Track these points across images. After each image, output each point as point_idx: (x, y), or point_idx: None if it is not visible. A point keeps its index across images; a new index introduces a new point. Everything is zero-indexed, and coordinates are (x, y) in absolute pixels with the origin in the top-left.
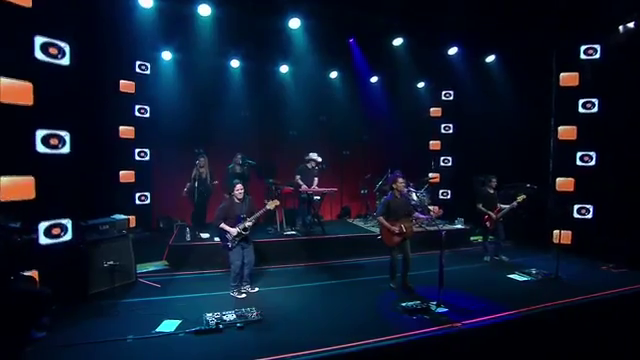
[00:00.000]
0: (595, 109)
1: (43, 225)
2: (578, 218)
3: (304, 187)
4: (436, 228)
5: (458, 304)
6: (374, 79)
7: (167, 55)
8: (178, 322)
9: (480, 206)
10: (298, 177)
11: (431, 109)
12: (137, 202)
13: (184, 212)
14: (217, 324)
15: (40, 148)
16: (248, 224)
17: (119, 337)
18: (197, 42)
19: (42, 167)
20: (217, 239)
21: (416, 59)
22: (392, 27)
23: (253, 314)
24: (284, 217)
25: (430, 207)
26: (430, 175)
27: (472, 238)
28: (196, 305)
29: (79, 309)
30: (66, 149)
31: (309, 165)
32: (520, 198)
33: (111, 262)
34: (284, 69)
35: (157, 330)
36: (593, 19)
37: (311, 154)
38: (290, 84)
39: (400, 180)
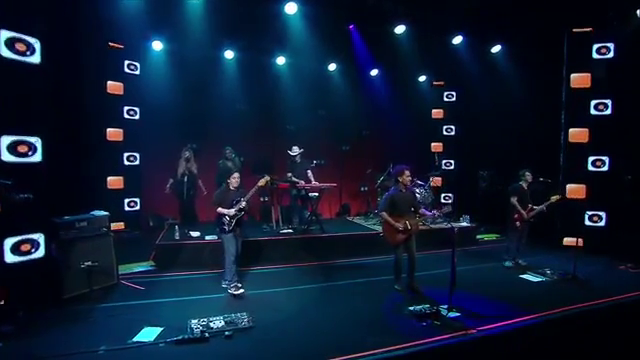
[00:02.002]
0: (611, 54)
1: (9, 241)
2: (593, 170)
3: (302, 183)
4: (444, 226)
5: (470, 308)
6: (374, 72)
7: (158, 45)
8: (159, 330)
9: (514, 200)
10: (290, 175)
11: (434, 82)
12: (126, 208)
13: (175, 210)
14: (202, 332)
15: (5, 156)
16: (243, 203)
17: (92, 347)
18: (189, 31)
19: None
20: (208, 238)
21: (419, 49)
22: (394, 13)
23: (244, 320)
24: (280, 215)
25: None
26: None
27: (479, 236)
28: (181, 309)
29: (51, 315)
30: (37, 157)
31: (296, 159)
32: (554, 198)
33: (89, 262)
34: (281, 61)
35: (134, 339)
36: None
37: (293, 148)
38: (287, 76)
39: (407, 173)
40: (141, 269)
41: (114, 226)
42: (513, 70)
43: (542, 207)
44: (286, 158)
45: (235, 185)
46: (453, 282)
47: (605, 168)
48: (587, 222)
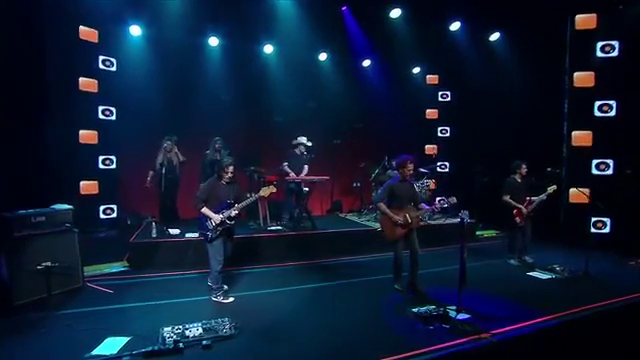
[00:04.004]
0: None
1: None
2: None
3: (292, 175)
4: (442, 221)
5: (479, 309)
6: (367, 62)
7: (136, 30)
8: (125, 340)
9: (507, 198)
10: (285, 164)
11: (428, 76)
12: (101, 166)
13: (155, 208)
14: (176, 342)
15: None
16: (234, 212)
17: None
18: (170, 15)
19: None
20: (188, 235)
21: (415, 35)
22: None
23: (225, 327)
24: (268, 210)
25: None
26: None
27: (478, 233)
28: (154, 316)
29: None
30: None
31: (297, 151)
32: (550, 189)
33: (48, 263)
34: (269, 49)
35: (93, 353)
36: None
37: (299, 138)
38: (276, 66)
39: (410, 166)
40: (112, 270)
41: (86, 185)
42: (512, 59)
43: (542, 197)
44: (274, 151)
45: (227, 180)
46: (463, 280)
47: (612, 113)
48: (595, 171)
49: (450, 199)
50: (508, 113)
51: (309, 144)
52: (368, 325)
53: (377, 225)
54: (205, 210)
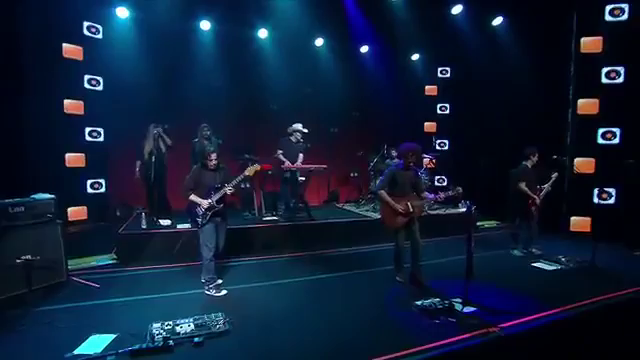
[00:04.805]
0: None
1: None
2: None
3: (287, 163)
4: (442, 212)
5: (485, 301)
6: (365, 48)
7: (123, 12)
8: (111, 337)
9: (523, 185)
10: (280, 152)
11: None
12: (88, 138)
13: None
14: (165, 339)
15: None
16: (229, 191)
17: None
18: None
19: None
20: (180, 226)
21: (416, 19)
22: None
23: (219, 322)
24: (263, 200)
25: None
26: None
27: (479, 223)
28: (143, 311)
29: None
30: None
31: (293, 138)
32: (553, 176)
33: (28, 257)
34: (263, 33)
35: (75, 352)
36: None
37: (295, 125)
38: (271, 51)
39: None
40: (99, 263)
41: (72, 157)
42: (515, 43)
43: (547, 187)
44: (269, 140)
45: (211, 167)
46: (470, 271)
47: (620, 80)
48: (600, 140)
49: (456, 189)
50: (510, 101)
51: (305, 131)
52: (370, 319)
53: (375, 215)
54: (193, 197)
